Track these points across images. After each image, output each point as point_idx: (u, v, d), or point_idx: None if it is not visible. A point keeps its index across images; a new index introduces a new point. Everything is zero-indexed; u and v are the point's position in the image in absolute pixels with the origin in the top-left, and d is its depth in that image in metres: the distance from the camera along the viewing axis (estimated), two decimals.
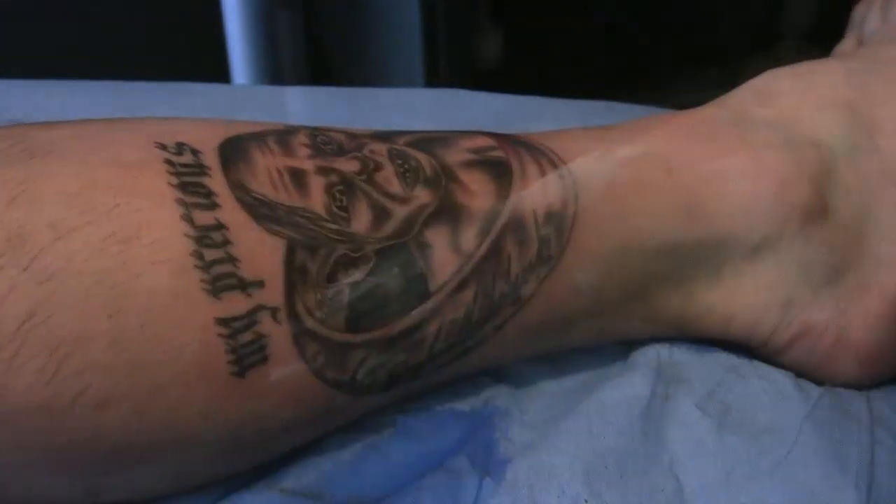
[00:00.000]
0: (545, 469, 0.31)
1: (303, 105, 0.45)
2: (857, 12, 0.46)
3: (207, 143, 0.28)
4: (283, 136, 0.30)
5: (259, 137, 0.29)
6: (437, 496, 0.30)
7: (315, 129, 0.31)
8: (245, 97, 0.46)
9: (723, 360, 0.35)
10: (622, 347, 0.36)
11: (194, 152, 0.27)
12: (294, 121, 0.35)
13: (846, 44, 0.45)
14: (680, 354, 0.35)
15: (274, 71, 0.74)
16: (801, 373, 0.35)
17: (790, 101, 0.37)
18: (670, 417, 0.32)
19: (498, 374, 0.34)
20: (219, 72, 0.78)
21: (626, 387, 0.33)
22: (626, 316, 0.35)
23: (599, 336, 0.35)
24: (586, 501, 0.30)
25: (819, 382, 0.35)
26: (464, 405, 0.34)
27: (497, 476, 0.31)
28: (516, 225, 0.31)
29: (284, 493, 0.30)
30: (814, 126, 0.36)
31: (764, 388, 0.34)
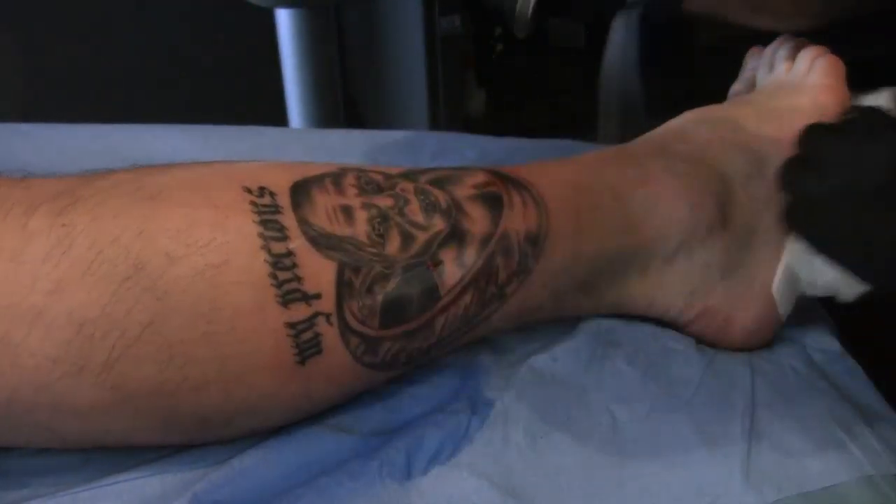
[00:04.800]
0: (512, 411, 0.38)
1: (344, 143, 0.54)
2: (749, 61, 0.54)
3: (281, 186, 0.34)
4: (337, 179, 0.36)
5: (319, 180, 0.35)
6: (439, 429, 0.37)
7: (360, 170, 0.37)
8: (294, 139, 0.55)
9: (646, 329, 0.44)
10: (573, 319, 0.44)
11: (272, 195, 0.34)
12: (338, 155, 0.44)
13: (737, 87, 0.53)
14: (614, 325, 0.43)
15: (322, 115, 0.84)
16: (700, 340, 0.44)
17: (701, 139, 0.45)
18: (606, 370, 0.40)
19: (482, 339, 0.41)
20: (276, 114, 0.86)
21: (573, 347, 0.41)
22: (577, 302, 0.42)
23: (558, 315, 0.42)
24: (541, 438, 0.37)
25: (713, 347, 0.44)
26: (458, 363, 0.41)
27: (483, 414, 0.38)
28: (504, 244, 0.38)
29: (327, 426, 0.37)
30: (719, 159, 0.44)
31: (675, 349, 0.43)
